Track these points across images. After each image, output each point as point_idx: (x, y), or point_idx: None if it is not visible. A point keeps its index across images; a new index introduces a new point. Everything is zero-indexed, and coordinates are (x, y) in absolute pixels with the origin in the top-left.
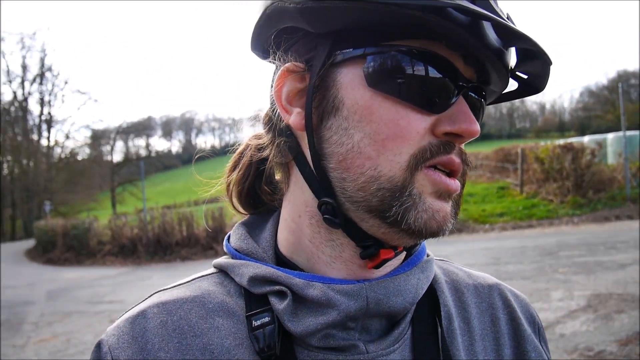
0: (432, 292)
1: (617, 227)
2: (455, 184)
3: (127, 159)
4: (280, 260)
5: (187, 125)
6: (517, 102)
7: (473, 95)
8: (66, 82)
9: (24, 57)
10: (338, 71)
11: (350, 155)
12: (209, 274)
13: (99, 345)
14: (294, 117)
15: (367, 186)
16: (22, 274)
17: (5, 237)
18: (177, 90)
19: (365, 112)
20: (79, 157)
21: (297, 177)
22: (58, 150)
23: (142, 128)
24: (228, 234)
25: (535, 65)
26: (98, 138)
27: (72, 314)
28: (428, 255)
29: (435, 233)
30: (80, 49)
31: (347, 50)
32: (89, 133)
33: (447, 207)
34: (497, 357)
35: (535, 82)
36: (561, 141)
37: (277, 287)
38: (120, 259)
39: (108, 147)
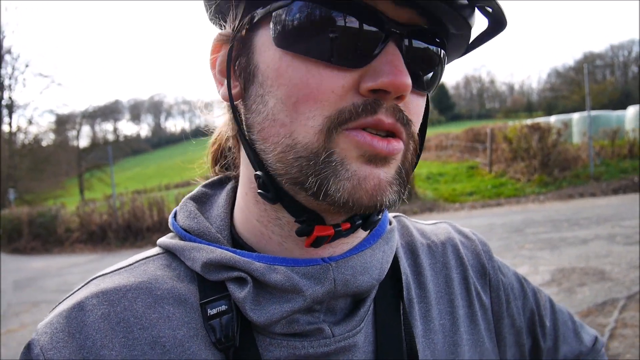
0: (394, 261)
1: (581, 204)
2: (387, 145)
3: (94, 144)
4: (237, 242)
5: (156, 108)
6: (486, 82)
7: (418, 42)
8: (27, 65)
9: None
10: (256, 34)
11: (266, 124)
12: (154, 256)
13: (28, 347)
14: (223, 89)
15: (285, 156)
16: None
17: None
18: (145, 72)
19: (275, 74)
20: (44, 143)
21: (243, 152)
22: (21, 136)
23: (109, 112)
24: (174, 210)
25: None
26: (63, 123)
27: (40, 304)
28: (390, 223)
29: (368, 206)
30: (42, 31)
31: (259, 10)
32: (53, 118)
33: (379, 173)
34: (451, 319)
35: (499, 15)
36: (529, 121)
37: (235, 274)
38: (89, 246)
39: (74, 132)
